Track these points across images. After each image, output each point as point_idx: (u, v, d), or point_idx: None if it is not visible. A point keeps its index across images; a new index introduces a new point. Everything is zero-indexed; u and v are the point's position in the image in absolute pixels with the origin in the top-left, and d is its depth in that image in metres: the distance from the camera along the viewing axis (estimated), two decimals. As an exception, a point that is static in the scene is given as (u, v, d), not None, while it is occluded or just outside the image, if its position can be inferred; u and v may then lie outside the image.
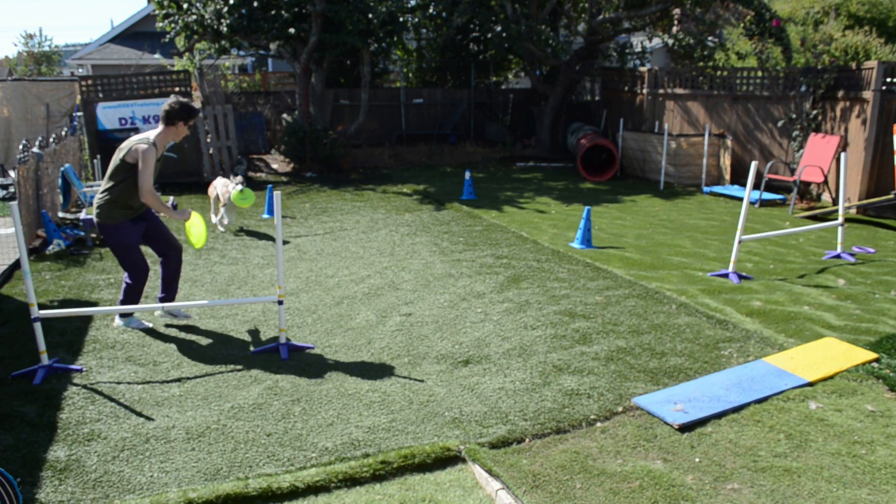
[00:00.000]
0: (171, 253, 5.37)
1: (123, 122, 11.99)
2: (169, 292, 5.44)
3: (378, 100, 15.94)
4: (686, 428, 3.81)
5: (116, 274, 6.86)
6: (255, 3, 12.29)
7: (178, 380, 4.47)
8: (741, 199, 10.01)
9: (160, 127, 5.00)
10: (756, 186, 10.41)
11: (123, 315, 5.34)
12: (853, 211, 9.47)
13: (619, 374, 4.51)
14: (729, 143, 11.65)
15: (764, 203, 10.41)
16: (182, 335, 5.23)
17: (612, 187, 12.02)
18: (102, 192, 4.99)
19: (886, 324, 5.33)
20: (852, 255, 7.29)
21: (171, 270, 5.41)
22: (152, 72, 13.12)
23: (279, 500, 3.23)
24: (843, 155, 7.43)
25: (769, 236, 7.53)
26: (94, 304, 5.95)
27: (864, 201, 9.23)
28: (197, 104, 5.12)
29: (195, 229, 5.41)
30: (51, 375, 4.48)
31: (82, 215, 8.23)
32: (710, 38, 14.05)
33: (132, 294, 5.20)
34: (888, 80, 9.38)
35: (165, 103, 4.96)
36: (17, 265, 6.98)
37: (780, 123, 11.12)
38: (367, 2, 12.72)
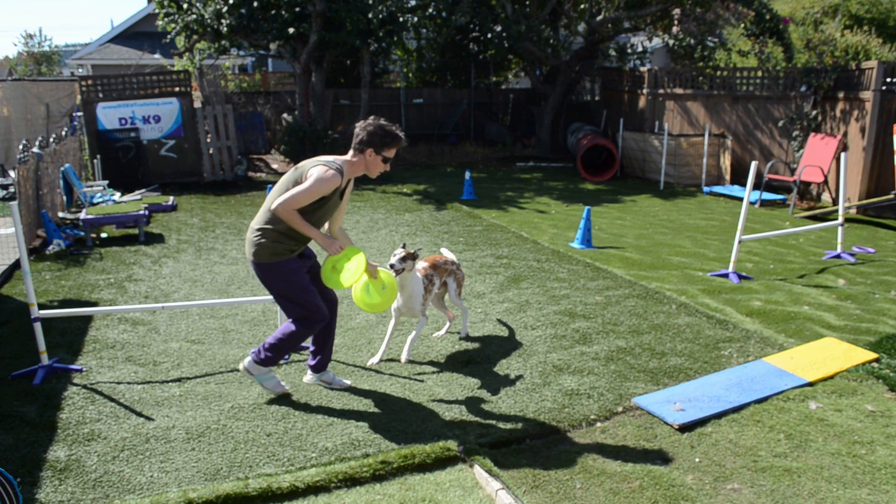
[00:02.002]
0: (325, 305, 4.12)
1: (123, 122, 11.98)
2: (322, 354, 4.30)
3: (378, 100, 15.95)
4: (686, 428, 3.81)
5: (116, 274, 6.86)
6: (255, 3, 12.29)
7: (178, 380, 4.47)
8: (741, 199, 10.01)
9: (350, 153, 3.91)
10: (756, 186, 10.41)
11: (263, 363, 4.06)
12: (853, 211, 9.47)
13: (619, 374, 4.51)
14: (729, 143, 11.65)
15: (764, 203, 10.40)
16: (182, 335, 5.23)
17: (612, 187, 12.02)
18: (262, 222, 3.85)
19: (886, 324, 5.33)
20: (852, 255, 7.29)
21: (324, 330, 4.24)
22: (152, 72, 13.12)
23: (279, 500, 3.23)
24: (843, 155, 7.42)
25: (769, 236, 7.53)
26: (94, 304, 5.96)
27: (864, 201, 9.23)
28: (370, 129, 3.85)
29: (348, 268, 3.95)
30: (51, 375, 4.48)
31: (82, 215, 8.23)
32: (710, 38, 14.05)
33: (294, 342, 4.00)
34: (888, 80, 9.38)
35: (360, 124, 3.87)
36: (17, 265, 6.98)
37: (780, 123, 11.12)
38: (367, 2, 12.72)
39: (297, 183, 3.77)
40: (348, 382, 4.38)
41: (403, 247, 4.55)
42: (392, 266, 4.38)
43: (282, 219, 3.74)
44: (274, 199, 3.81)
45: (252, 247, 3.88)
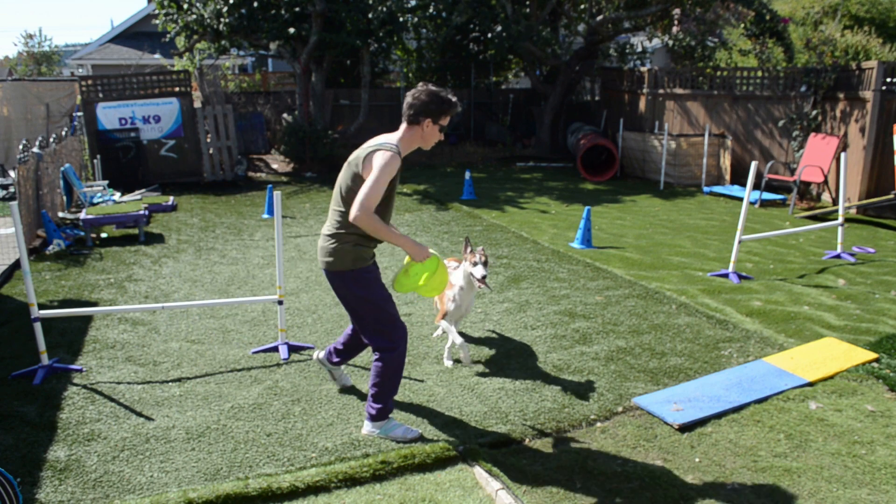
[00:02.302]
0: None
1: (123, 122, 11.98)
2: (343, 357, 4.14)
3: (378, 100, 15.93)
4: (686, 428, 3.81)
5: (116, 274, 6.86)
6: (255, 3, 12.29)
7: (178, 380, 4.47)
8: (741, 199, 10.00)
9: (402, 127, 3.53)
10: (756, 186, 10.40)
11: (377, 417, 3.70)
12: (853, 211, 9.47)
13: (619, 374, 4.51)
14: (729, 143, 11.64)
15: (764, 203, 10.40)
16: (182, 335, 5.23)
17: (612, 187, 12.02)
18: (335, 227, 3.54)
19: (886, 324, 5.33)
20: (852, 255, 7.29)
21: (359, 341, 3.99)
22: (152, 72, 13.12)
23: (279, 500, 3.23)
24: (843, 155, 7.42)
25: (769, 236, 7.53)
26: (94, 304, 5.96)
27: (864, 201, 9.23)
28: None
29: (430, 275, 3.55)
30: (51, 375, 4.48)
31: (82, 215, 8.23)
32: (710, 38, 14.05)
33: (393, 377, 3.63)
34: (888, 80, 9.38)
35: (411, 93, 3.49)
36: (17, 265, 6.98)
37: (780, 123, 11.12)
38: (367, 2, 12.72)
39: (356, 178, 3.41)
40: (351, 382, 4.36)
41: (471, 249, 4.35)
42: (484, 278, 4.28)
43: (364, 228, 3.31)
44: (338, 201, 3.52)
45: (328, 255, 3.53)
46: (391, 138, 3.50)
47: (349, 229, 3.49)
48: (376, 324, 3.58)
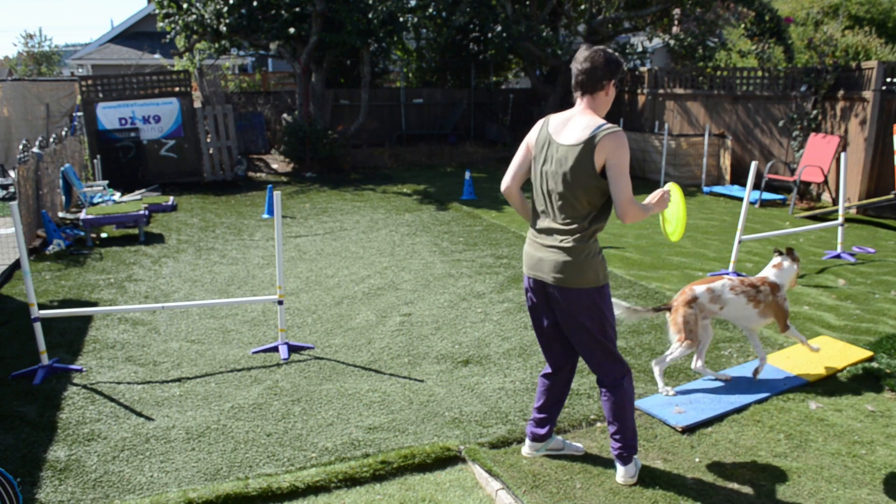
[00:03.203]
0: (570, 362, 3.40)
1: (123, 122, 11.98)
2: (553, 421, 3.50)
3: (378, 100, 15.94)
4: (689, 430, 3.81)
5: (116, 274, 6.86)
6: (255, 3, 12.29)
7: (178, 380, 4.47)
8: (741, 199, 10.00)
9: (583, 102, 3.09)
10: (756, 186, 10.40)
11: (627, 459, 3.32)
12: (853, 211, 9.47)
13: (619, 374, 4.50)
14: (729, 143, 11.64)
15: (764, 203, 10.40)
16: (182, 335, 5.23)
17: (612, 187, 12.01)
18: (574, 237, 3.04)
19: (886, 324, 5.33)
20: (852, 255, 7.29)
21: (562, 388, 3.45)
22: (152, 72, 13.12)
23: (279, 500, 3.23)
24: (843, 155, 7.43)
25: (769, 236, 7.53)
26: (94, 304, 5.96)
27: (864, 201, 9.23)
28: None
29: (673, 210, 3.41)
30: (51, 375, 4.48)
31: (82, 215, 8.23)
32: (710, 38, 14.06)
33: (629, 406, 3.28)
34: (888, 80, 9.38)
35: (581, 59, 3.05)
36: (17, 265, 6.98)
37: (780, 123, 11.12)
38: (367, 1, 12.72)
39: (594, 175, 2.96)
40: (582, 448, 3.60)
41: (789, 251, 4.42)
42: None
43: (637, 220, 2.99)
44: (570, 205, 3.04)
45: (573, 270, 3.03)
46: (591, 119, 3.02)
47: (591, 236, 3.05)
48: (606, 351, 3.16)
